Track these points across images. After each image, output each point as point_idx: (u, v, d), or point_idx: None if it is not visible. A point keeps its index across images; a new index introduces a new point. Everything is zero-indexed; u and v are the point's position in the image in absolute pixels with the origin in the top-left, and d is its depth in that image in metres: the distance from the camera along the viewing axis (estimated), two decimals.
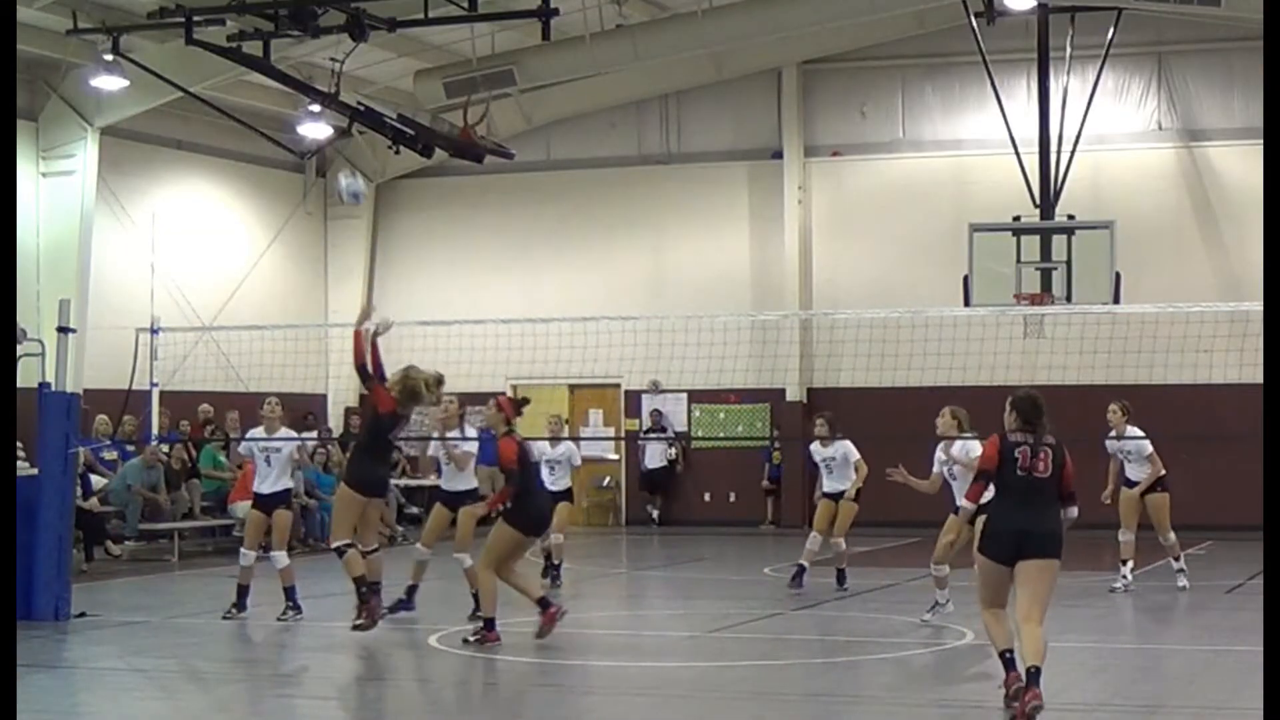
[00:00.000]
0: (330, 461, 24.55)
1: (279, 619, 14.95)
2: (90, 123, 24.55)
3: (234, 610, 15.21)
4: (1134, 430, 17.58)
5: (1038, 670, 9.95)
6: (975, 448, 17.15)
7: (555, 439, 18.63)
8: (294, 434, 15.99)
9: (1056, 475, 10.27)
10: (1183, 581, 17.44)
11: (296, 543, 23.58)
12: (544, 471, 17.88)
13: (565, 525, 18.32)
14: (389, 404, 14.08)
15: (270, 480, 15.26)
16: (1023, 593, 10.14)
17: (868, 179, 28.69)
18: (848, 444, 17.74)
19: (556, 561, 18.39)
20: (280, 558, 15.17)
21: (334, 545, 13.90)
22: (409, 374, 14.20)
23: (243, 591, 15.26)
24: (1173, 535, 17.48)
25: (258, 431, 15.48)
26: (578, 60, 25.18)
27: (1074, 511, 10.39)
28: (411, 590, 15.22)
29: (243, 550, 15.32)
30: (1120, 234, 23.17)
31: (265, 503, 15.27)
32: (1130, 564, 17.54)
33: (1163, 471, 17.61)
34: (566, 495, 18.28)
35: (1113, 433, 17.65)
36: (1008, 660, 10.33)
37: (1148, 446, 17.50)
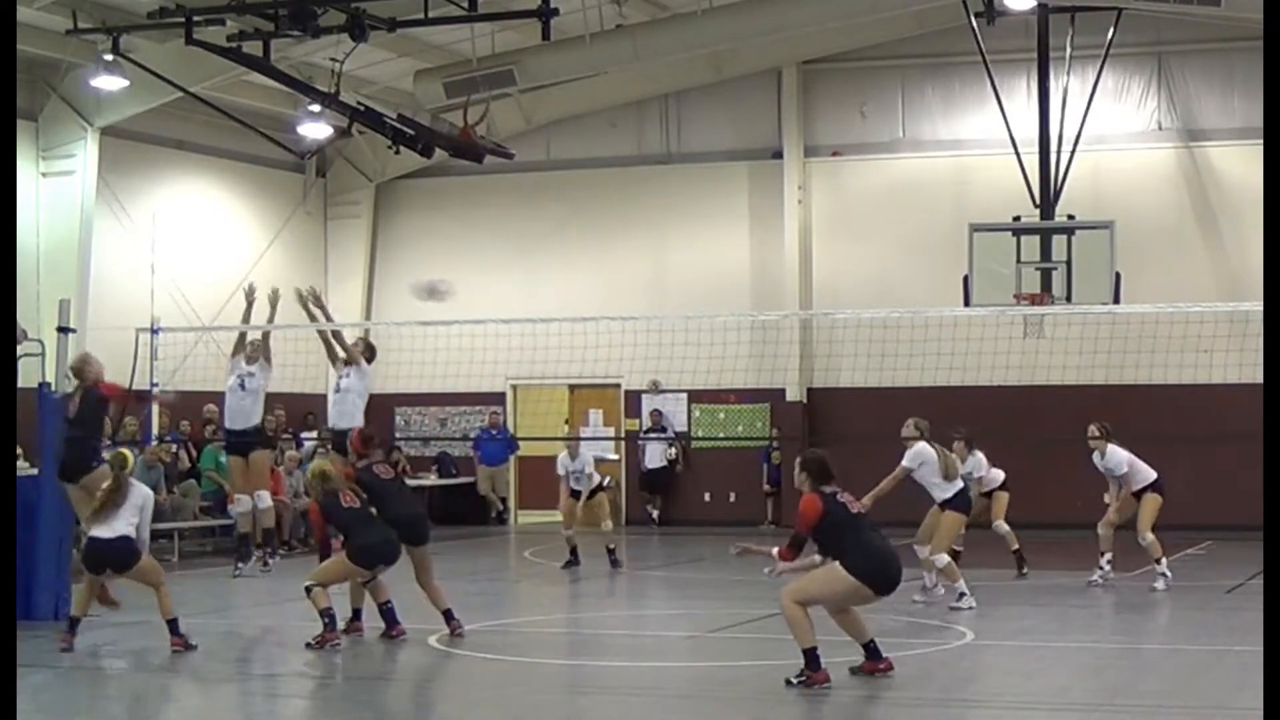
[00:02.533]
0: None
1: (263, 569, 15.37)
2: (90, 123, 24.55)
3: (239, 565, 15.67)
4: (1113, 451, 17.62)
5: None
6: (982, 463, 17.91)
7: (573, 440, 20.74)
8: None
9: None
10: (1160, 584, 17.33)
11: (297, 542, 23.66)
12: (570, 483, 20.35)
13: (609, 514, 21.10)
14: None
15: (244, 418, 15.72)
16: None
17: (868, 179, 28.68)
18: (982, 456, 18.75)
19: (611, 546, 20.64)
20: (264, 497, 15.56)
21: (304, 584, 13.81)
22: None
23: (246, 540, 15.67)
24: (1150, 536, 17.40)
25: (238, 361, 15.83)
26: (578, 60, 25.17)
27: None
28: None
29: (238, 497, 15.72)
30: (1120, 234, 23.18)
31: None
32: (1109, 555, 17.73)
33: (1153, 476, 17.62)
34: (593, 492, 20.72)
35: (1094, 453, 17.70)
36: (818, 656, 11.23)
37: (1122, 467, 17.56)
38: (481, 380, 25.31)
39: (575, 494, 20.82)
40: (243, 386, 16.31)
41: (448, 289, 20.05)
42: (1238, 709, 10.56)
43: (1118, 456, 17.61)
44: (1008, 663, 13.18)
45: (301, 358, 22.61)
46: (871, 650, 11.65)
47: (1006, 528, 18.80)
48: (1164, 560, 17.51)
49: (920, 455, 15.96)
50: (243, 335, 16.17)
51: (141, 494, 13.38)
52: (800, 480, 11.69)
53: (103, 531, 13.19)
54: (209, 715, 11.32)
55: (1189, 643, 14.12)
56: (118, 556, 13.20)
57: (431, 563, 14.21)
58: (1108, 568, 17.73)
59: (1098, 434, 17.64)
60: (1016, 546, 18.79)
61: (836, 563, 11.47)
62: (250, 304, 16.82)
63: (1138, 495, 17.64)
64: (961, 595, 15.62)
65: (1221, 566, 19.75)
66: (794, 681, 11.23)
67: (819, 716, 10.90)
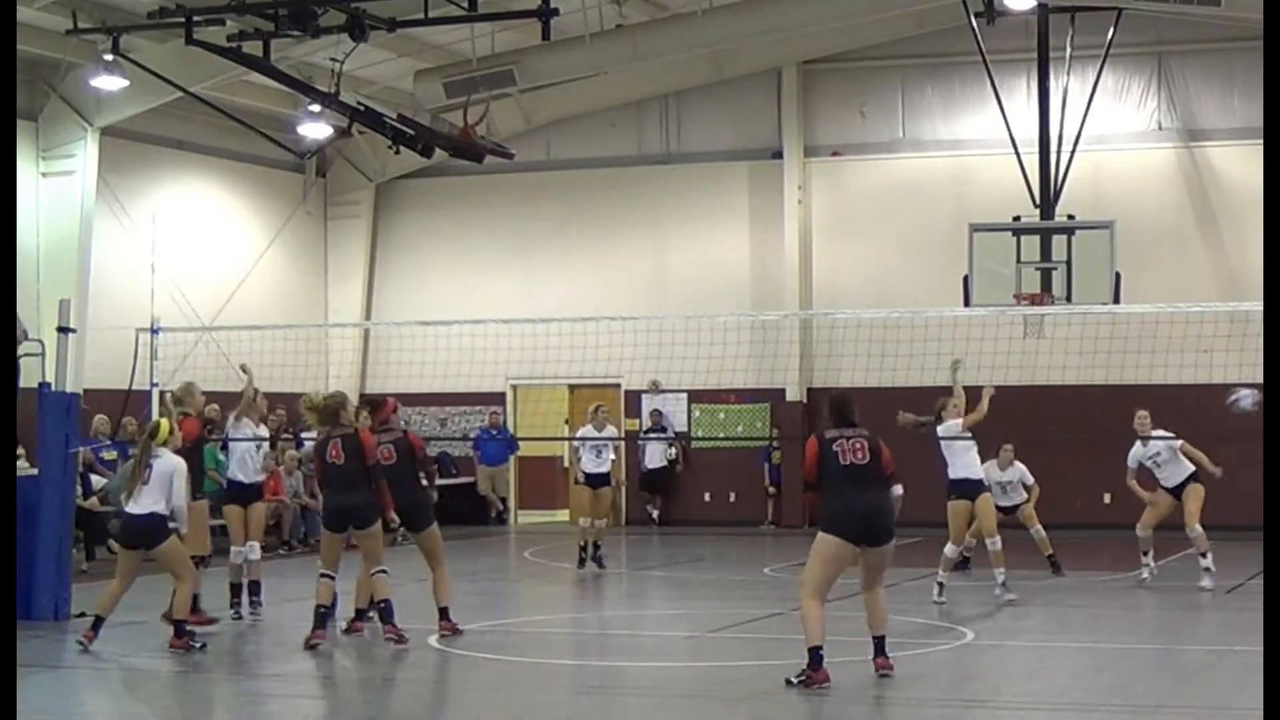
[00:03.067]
0: None
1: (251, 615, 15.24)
2: (90, 123, 24.55)
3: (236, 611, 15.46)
4: (1160, 431, 17.63)
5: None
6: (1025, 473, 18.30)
7: (599, 412, 20.48)
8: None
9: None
10: (1207, 582, 17.36)
11: (297, 541, 23.67)
12: (588, 454, 20.00)
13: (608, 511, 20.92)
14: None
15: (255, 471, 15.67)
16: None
17: (868, 179, 28.68)
18: (1023, 467, 19.76)
19: (596, 542, 20.29)
20: (255, 549, 15.53)
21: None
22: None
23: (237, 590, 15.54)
24: (1199, 529, 17.49)
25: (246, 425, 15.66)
26: (578, 60, 25.17)
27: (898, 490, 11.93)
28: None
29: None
30: (1120, 234, 23.17)
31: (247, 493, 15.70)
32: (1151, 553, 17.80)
33: (1192, 467, 17.66)
34: (606, 479, 20.23)
35: (1139, 442, 17.68)
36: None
37: (1175, 443, 17.62)
38: (481, 380, 25.28)
39: (591, 480, 20.22)
40: (258, 448, 16.22)
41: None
42: (1238, 709, 10.56)
43: (1162, 444, 17.67)
44: (1008, 663, 13.18)
45: (301, 358, 22.61)
46: (878, 646, 11.66)
47: (1043, 532, 19.25)
48: (1209, 554, 17.52)
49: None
50: (253, 396, 15.90)
51: (170, 464, 13.23)
52: (823, 419, 12.06)
53: (133, 507, 13.17)
54: (208, 715, 11.31)
55: (1189, 643, 14.12)
56: (148, 531, 13.13)
57: (434, 549, 14.08)
58: (1152, 564, 17.85)
59: (1148, 420, 17.66)
60: (1050, 551, 19.17)
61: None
62: (250, 376, 16.24)
63: (1176, 491, 17.60)
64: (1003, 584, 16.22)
65: (1221, 566, 19.69)
66: (794, 681, 11.24)
67: (819, 716, 10.90)
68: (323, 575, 13.57)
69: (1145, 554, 17.96)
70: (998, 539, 16.55)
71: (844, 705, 11.05)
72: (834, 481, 11.63)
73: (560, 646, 14.54)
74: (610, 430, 20.70)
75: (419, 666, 12.99)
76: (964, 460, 16.52)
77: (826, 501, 11.69)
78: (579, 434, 20.64)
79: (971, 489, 16.57)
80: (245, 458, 15.66)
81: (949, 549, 16.63)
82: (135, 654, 13.48)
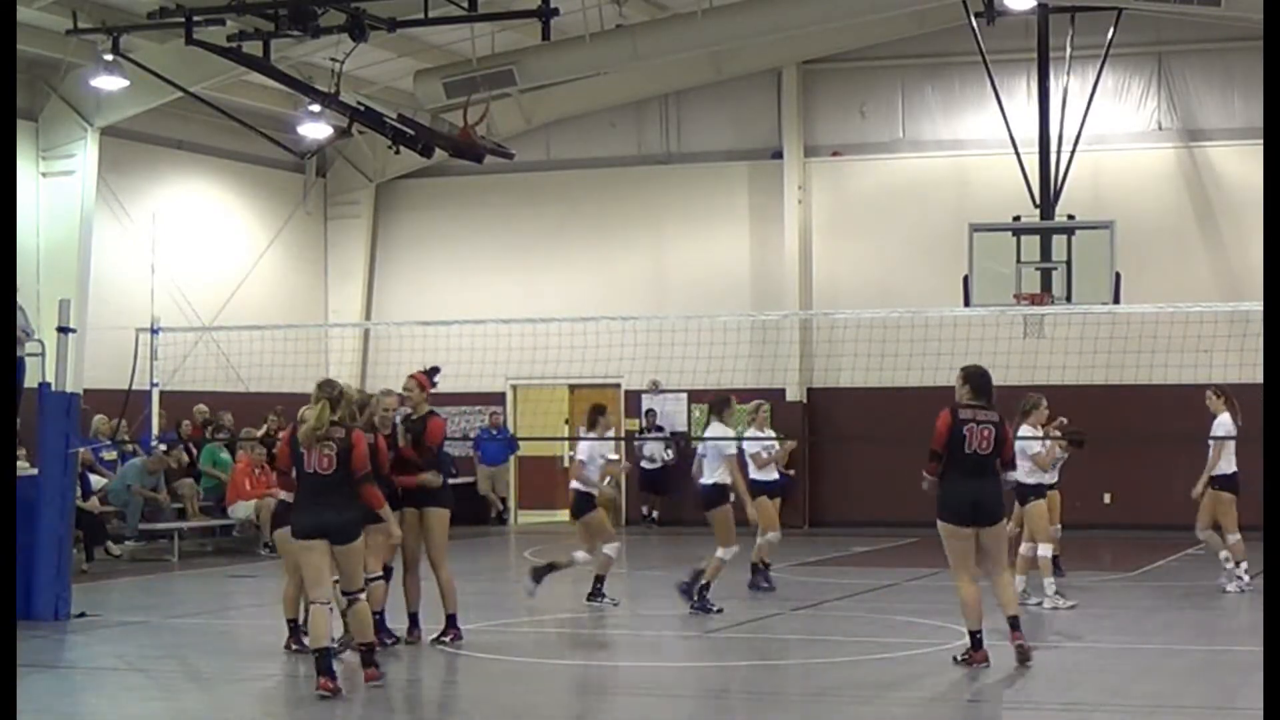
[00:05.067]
0: None
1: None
2: (90, 123, 24.54)
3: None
4: (1223, 418, 17.13)
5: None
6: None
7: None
8: None
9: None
10: (1231, 586, 17.00)
11: None
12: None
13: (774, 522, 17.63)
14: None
15: None
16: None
17: (868, 179, 28.68)
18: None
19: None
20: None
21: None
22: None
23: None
24: (1235, 535, 17.02)
25: None
26: (578, 60, 25.16)
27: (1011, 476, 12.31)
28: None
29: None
30: (1120, 234, 23.16)
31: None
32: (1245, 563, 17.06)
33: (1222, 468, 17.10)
34: (723, 493, 16.57)
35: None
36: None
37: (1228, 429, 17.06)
38: (481, 380, 25.24)
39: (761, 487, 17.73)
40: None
41: None
42: (1238, 709, 10.56)
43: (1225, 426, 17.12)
44: (1008, 663, 13.17)
45: (301, 358, 22.61)
46: (1012, 624, 12.09)
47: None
48: (1243, 563, 17.04)
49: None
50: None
51: None
52: (959, 390, 12.14)
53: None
54: (208, 716, 11.31)
55: (1189, 643, 14.12)
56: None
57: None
58: (1242, 573, 17.12)
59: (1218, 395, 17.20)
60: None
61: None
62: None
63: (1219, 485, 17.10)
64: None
65: (1221, 566, 19.73)
66: (958, 660, 11.93)
67: (819, 716, 10.90)
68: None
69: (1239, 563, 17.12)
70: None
71: (844, 705, 11.05)
72: (954, 466, 11.86)
73: (560, 646, 14.54)
74: (713, 429, 16.96)
75: (419, 667, 12.99)
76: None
77: (943, 484, 11.94)
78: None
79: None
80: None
81: (1045, 550, 16.10)
82: (135, 654, 13.49)
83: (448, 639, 13.48)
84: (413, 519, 13.36)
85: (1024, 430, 15.76)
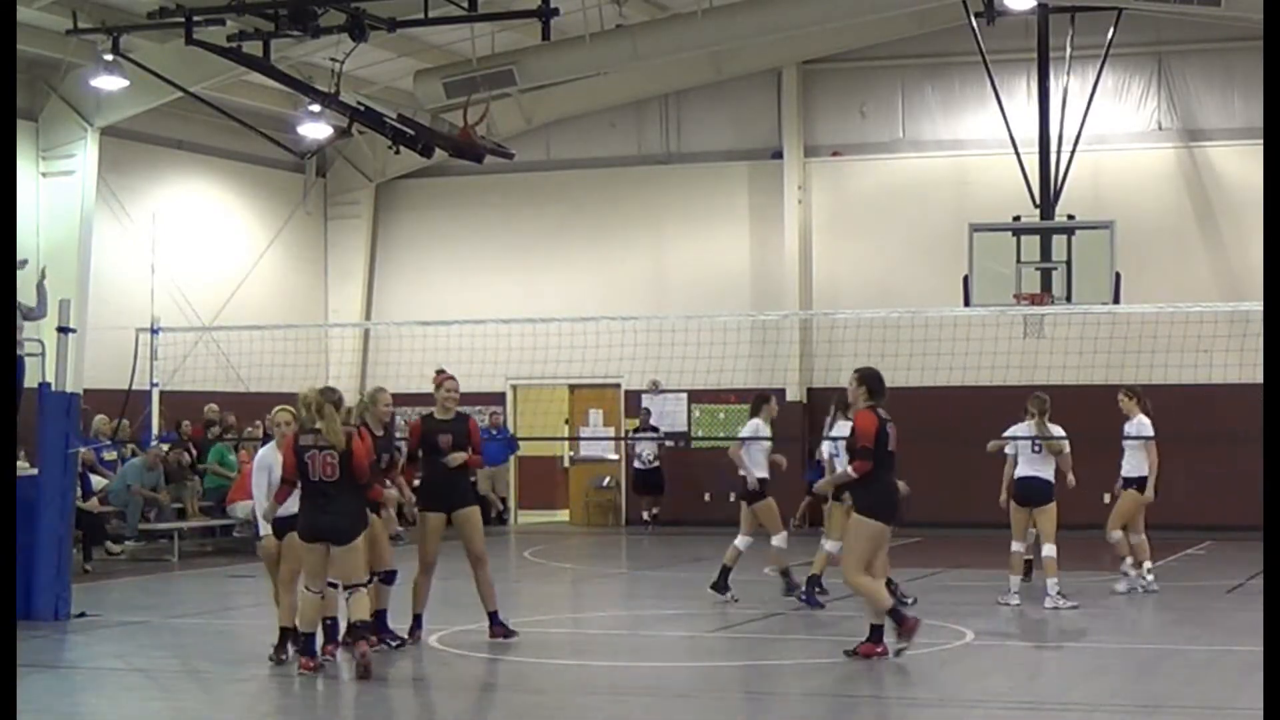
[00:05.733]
0: None
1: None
2: (90, 123, 24.55)
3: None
4: (1140, 419, 17.26)
5: None
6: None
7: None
8: None
9: None
10: (1121, 586, 17.12)
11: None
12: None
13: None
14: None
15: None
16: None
17: (868, 179, 28.68)
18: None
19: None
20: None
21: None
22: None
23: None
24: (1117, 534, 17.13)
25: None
26: (578, 60, 25.16)
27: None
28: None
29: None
30: (1120, 234, 23.16)
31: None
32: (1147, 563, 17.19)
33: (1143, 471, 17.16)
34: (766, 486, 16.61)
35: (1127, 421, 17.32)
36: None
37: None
38: (481, 380, 25.25)
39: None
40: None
41: None
42: (1238, 709, 10.56)
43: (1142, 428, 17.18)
44: (1008, 663, 13.18)
45: (301, 358, 22.63)
46: (901, 617, 12.30)
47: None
48: (1145, 563, 17.12)
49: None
50: None
51: None
52: (856, 394, 12.40)
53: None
54: (208, 716, 11.31)
55: (1189, 643, 14.12)
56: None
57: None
58: (1144, 572, 17.17)
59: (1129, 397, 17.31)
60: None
61: (853, 513, 12.23)
62: None
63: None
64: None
65: (1221, 566, 19.75)
66: (849, 652, 12.19)
67: (819, 716, 10.90)
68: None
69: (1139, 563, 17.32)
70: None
71: (844, 705, 11.05)
72: (880, 464, 12.12)
73: (561, 647, 14.53)
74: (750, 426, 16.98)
75: (419, 667, 12.99)
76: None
77: (872, 483, 12.08)
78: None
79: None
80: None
81: (1049, 550, 16.04)
82: (135, 654, 13.49)
83: (501, 637, 13.55)
84: (436, 523, 13.49)
85: (1054, 430, 16.08)
